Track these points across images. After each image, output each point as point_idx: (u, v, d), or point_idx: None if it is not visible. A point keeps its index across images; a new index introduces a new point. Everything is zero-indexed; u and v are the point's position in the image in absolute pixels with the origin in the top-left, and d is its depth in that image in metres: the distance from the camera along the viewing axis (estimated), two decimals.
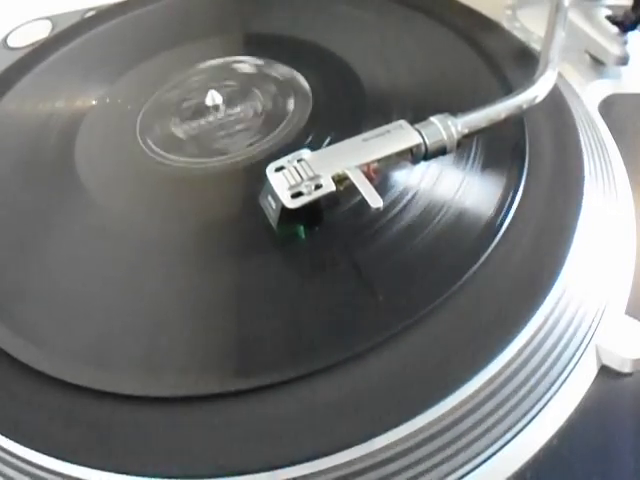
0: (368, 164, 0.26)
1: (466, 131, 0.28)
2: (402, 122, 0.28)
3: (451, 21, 0.37)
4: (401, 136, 0.27)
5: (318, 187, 0.26)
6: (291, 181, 0.26)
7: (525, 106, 0.29)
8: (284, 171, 0.26)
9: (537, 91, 0.29)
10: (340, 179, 0.26)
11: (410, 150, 0.27)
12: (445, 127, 0.27)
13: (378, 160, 0.26)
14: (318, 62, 0.36)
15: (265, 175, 0.26)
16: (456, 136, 0.27)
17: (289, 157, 0.27)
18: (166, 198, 0.31)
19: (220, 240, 0.29)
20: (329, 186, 0.26)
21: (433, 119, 0.28)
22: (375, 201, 0.25)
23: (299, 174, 0.26)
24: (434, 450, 0.22)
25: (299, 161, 0.27)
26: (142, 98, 0.36)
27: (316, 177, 0.26)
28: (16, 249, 0.30)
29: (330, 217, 0.27)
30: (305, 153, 0.27)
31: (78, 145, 0.34)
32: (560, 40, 0.32)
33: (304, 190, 0.26)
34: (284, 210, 0.26)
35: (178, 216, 0.30)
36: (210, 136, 0.33)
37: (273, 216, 0.26)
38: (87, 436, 0.23)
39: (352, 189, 0.25)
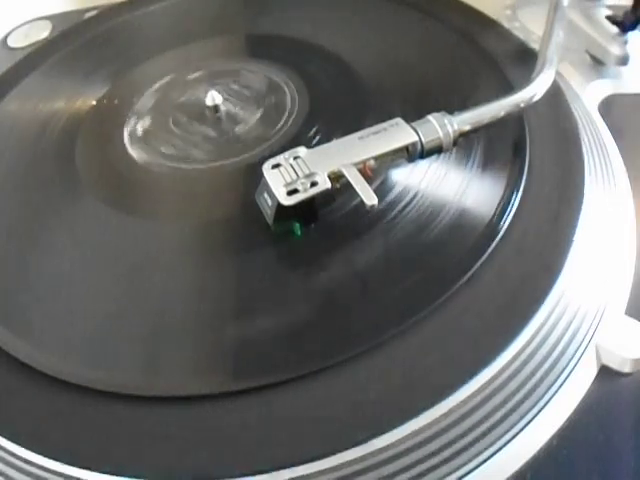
0: (364, 162, 0.26)
1: (463, 129, 0.28)
2: (398, 120, 0.28)
3: (451, 20, 0.37)
4: (397, 134, 0.27)
5: (314, 184, 0.26)
6: (287, 178, 0.26)
7: (523, 105, 0.29)
8: (280, 168, 0.26)
9: (535, 90, 0.29)
10: (336, 177, 0.26)
11: (406, 148, 0.27)
12: (441, 125, 0.27)
13: (374, 158, 0.26)
14: (317, 61, 0.36)
15: (262, 172, 0.27)
16: (452, 134, 0.27)
17: (285, 154, 0.27)
18: (166, 198, 0.31)
19: (219, 240, 0.29)
20: (324, 183, 0.26)
21: (430, 117, 0.28)
22: (370, 198, 0.25)
23: (295, 171, 0.26)
24: (434, 450, 0.22)
25: (295, 158, 0.27)
26: (142, 98, 0.36)
27: (312, 174, 0.26)
28: (16, 249, 0.30)
29: (333, 217, 0.28)
30: (301, 150, 0.27)
31: (79, 146, 0.34)
32: (558, 39, 0.32)
33: (300, 187, 0.26)
34: (280, 207, 0.26)
35: (178, 216, 0.30)
36: (193, 137, 0.33)
37: (269, 213, 0.26)
38: (86, 436, 0.23)
39: (350, 188, 0.26)
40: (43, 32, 0.48)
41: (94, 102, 0.37)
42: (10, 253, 0.30)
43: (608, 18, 0.38)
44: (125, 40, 0.42)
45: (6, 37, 0.48)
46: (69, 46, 0.42)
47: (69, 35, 0.43)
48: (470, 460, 0.22)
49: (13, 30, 0.48)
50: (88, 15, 0.47)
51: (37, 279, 0.29)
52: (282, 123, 0.33)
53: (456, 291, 0.25)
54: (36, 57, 0.42)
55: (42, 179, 0.33)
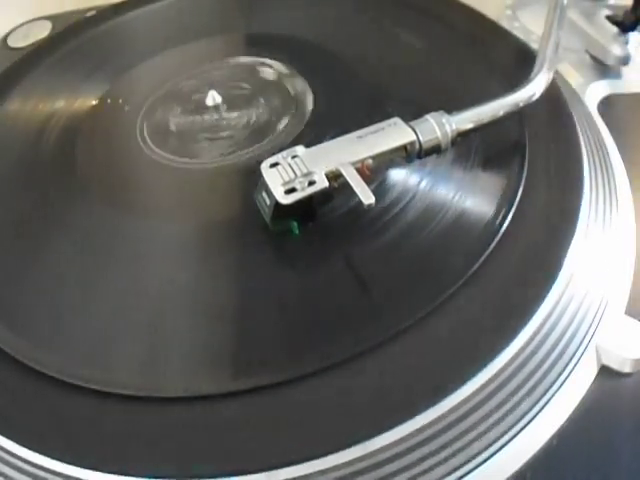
0: (362, 161, 0.26)
1: (461, 129, 0.28)
2: (396, 119, 0.28)
3: (450, 20, 0.37)
4: (395, 133, 0.27)
5: (312, 183, 0.26)
6: (285, 177, 0.26)
7: (521, 104, 0.29)
8: (278, 167, 0.26)
9: (534, 89, 0.29)
10: (334, 176, 0.26)
11: (404, 147, 0.27)
12: (439, 125, 0.27)
13: (372, 157, 0.26)
14: (317, 60, 0.36)
15: (260, 171, 0.27)
16: (450, 134, 0.27)
17: (284, 153, 0.27)
18: (166, 197, 0.31)
19: (217, 239, 0.29)
20: (322, 182, 0.26)
21: (428, 117, 0.28)
22: (367, 198, 0.25)
23: (293, 170, 0.26)
24: (434, 450, 0.22)
25: (293, 157, 0.27)
26: (142, 98, 0.36)
27: (310, 173, 0.26)
28: (17, 249, 0.30)
29: (331, 216, 0.28)
30: (299, 149, 0.27)
31: (79, 146, 0.34)
32: (558, 39, 0.32)
33: (298, 186, 0.26)
34: (277, 206, 0.26)
35: (177, 216, 0.30)
36: (193, 137, 0.33)
37: (267, 212, 0.26)
38: (86, 436, 0.23)
39: (348, 187, 0.26)
40: (43, 32, 0.48)
41: (94, 102, 0.37)
42: (10, 253, 0.30)
43: (608, 18, 0.38)
44: (125, 40, 0.42)
45: (6, 37, 0.48)
46: (69, 46, 0.42)
47: (69, 35, 0.43)
48: (470, 460, 0.22)
49: (13, 30, 0.48)
50: (88, 15, 0.47)
51: (37, 279, 0.29)
52: (282, 122, 0.33)
53: (456, 291, 0.25)
54: (36, 57, 0.42)
55: (42, 179, 0.33)
